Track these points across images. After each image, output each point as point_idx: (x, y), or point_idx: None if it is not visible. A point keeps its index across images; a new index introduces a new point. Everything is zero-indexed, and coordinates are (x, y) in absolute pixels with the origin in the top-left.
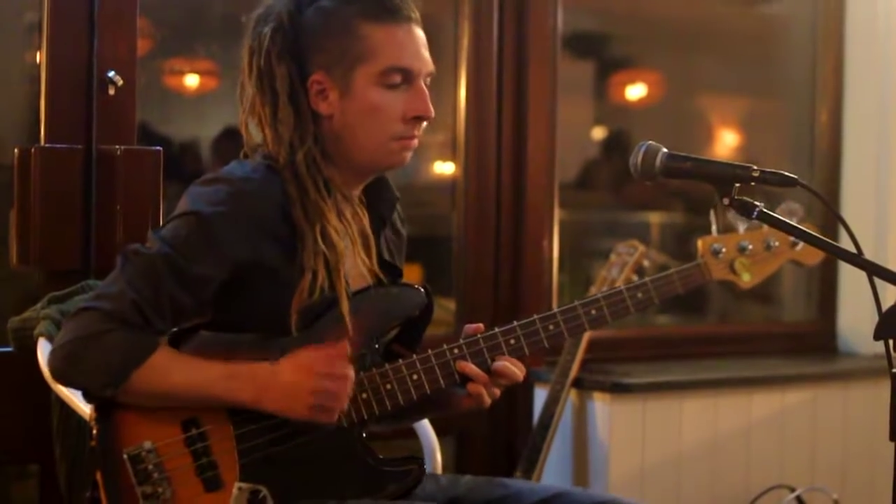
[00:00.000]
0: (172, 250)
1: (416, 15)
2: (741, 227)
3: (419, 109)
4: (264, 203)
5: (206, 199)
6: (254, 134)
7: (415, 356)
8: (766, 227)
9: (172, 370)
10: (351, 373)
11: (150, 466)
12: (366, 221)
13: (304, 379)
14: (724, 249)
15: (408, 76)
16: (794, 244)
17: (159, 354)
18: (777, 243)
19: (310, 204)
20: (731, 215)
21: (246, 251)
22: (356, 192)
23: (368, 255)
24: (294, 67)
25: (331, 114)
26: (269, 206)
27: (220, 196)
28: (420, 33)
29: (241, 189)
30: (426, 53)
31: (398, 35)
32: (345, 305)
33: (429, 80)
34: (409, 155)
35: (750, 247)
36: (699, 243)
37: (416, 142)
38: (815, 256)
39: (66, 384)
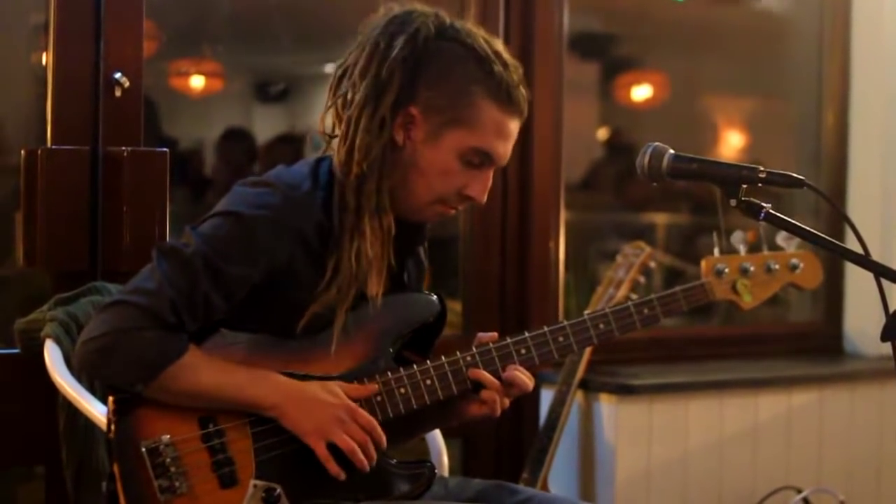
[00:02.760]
0: (210, 249)
1: (525, 112)
2: (742, 249)
3: (476, 193)
4: (306, 213)
5: (249, 201)
6: (330, 129)
7: (428, 362)
8: (766, 251)
9: (201, 371)
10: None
11: (168, 460)
12: (390, 251)
13: (338, 419)
14: (726, 270)
15: (486, 161)
16: (794, 268)
17: (190, 354)
18: (777, 266)
19: (358, 221)
20: (735, 237)
21: (282, 257)
22: (390, 219)
23: (376, 284)
24: (405, 86)
25: (402, 146)
26: (310, 217)
27: (264, 200)
28: (517, 129)
29: (286, 196)
30: (510, 150)
31: (504, 124)
32: (338, 327)
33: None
34: (438, 220)
35: (751, 269)
36: (703, 263)
37: (454, 212)
38: (813, 281)
39: (94, 376)
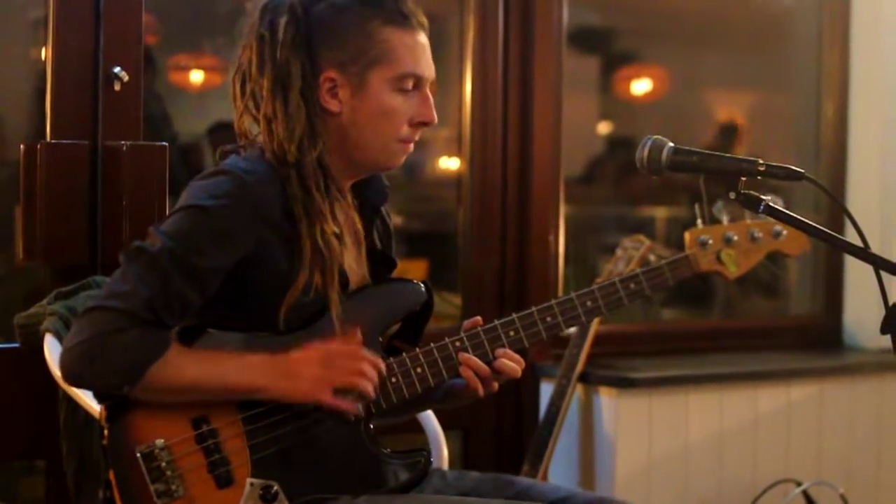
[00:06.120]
0: (176, 245)
1: (426, 22)
2: (725, 219)
3: (426, 116)
4: (266, 196)
5: (207, 192)
6: (251, 127)
7: (417, 350)
8: (749, 219)
9: (187, 364)
10: (379, 361)
11: (163, 464)
12: (356, 218)
13: (327, 366)
14: (710, 241)
15: (418, 82)
16: (777, 235)
17: (173, 350)
18: (761, 234)
19: (312, 204)
20: (716, 207)
21: (249, 242)
22: (348, 186)
23: (359, 252)
24: (307, 62)
25: (339, 111)
26: (271, 199)
27: (223, 189)
28: (427, 40)
29: (244, 181)
30: (431, 61)
31: (412, 41)
32: (335, 309)
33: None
34: (404, 157)
35: (735, 238)
36: (686, 235)
37: (413, 145)
38: (798, 247)
39: (81, 385)
